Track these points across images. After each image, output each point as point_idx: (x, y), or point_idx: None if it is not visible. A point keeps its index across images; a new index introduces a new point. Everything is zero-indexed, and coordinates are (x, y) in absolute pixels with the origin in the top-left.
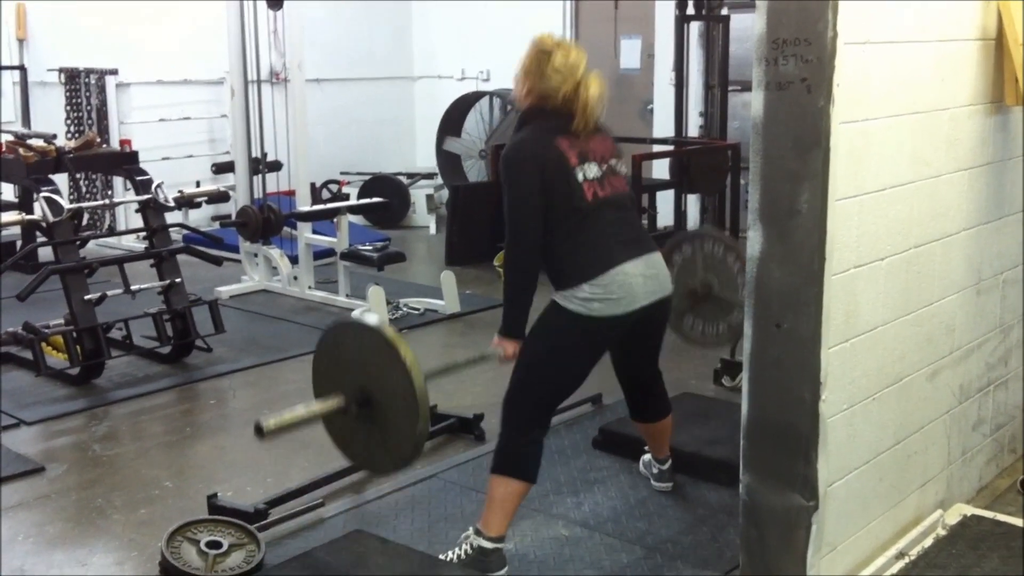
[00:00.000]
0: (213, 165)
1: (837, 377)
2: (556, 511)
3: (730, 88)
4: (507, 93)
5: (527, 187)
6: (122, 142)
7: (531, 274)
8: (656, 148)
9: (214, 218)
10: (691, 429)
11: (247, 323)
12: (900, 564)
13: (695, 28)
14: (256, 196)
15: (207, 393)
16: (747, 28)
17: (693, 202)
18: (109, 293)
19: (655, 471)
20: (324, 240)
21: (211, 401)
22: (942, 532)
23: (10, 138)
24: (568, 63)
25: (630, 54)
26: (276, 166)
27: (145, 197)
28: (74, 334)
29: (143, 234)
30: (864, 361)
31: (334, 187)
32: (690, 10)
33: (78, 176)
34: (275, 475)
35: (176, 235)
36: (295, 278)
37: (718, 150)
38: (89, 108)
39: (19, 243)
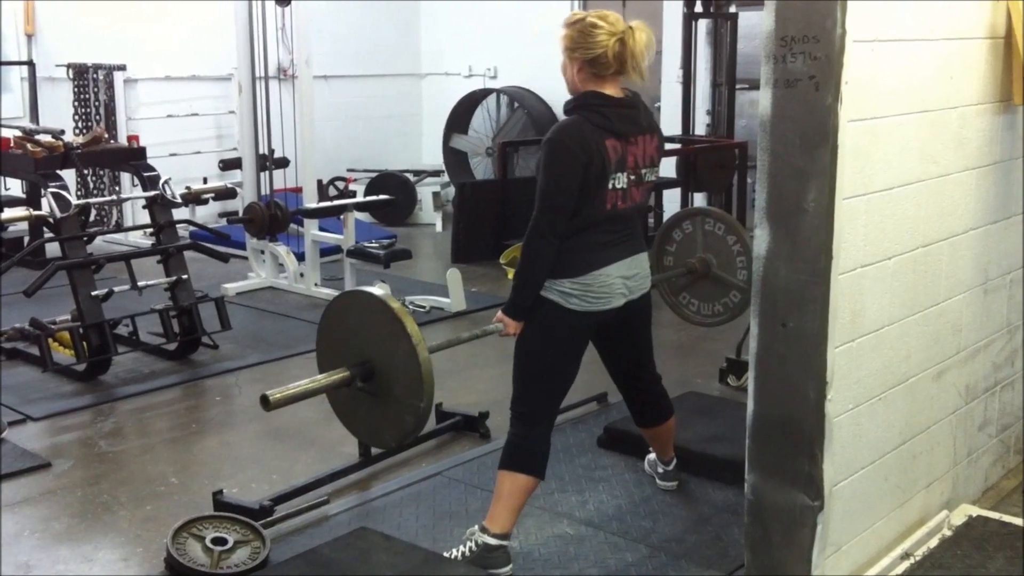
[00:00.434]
0: (220, 161)
1: (843, 376)
2: (561, 509)
3: (737, 86)
4: (514, 90)
5: (570, 173)
6: (130, 138)
7: (549, 259)
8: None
9: (221, 214)
10: (696, 428)
11: (253, 320)
12: (905, 564)
13: (703, 26)
14: (263, 193)
15: (213, 390)
16: (755, 26)
17: (700, 200)
18: (116, 289)
19: (660, 470)
20: (331, 237)
21: (217, 398)
22: (947, 533)
23: (18, 133)
24: (608, 20)
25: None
26: (283, 163)
27: (152, 193)
28: (81, 330)
29: (150, 230)
30: (870, 360)
31: (341, 184)
32: (698, 8)
33: (86, 172)
34: (280, 472)
35: (183, 231)
36: (301, 275)
37: (725, 148)
38: (97, 104)
39: (26, 239)
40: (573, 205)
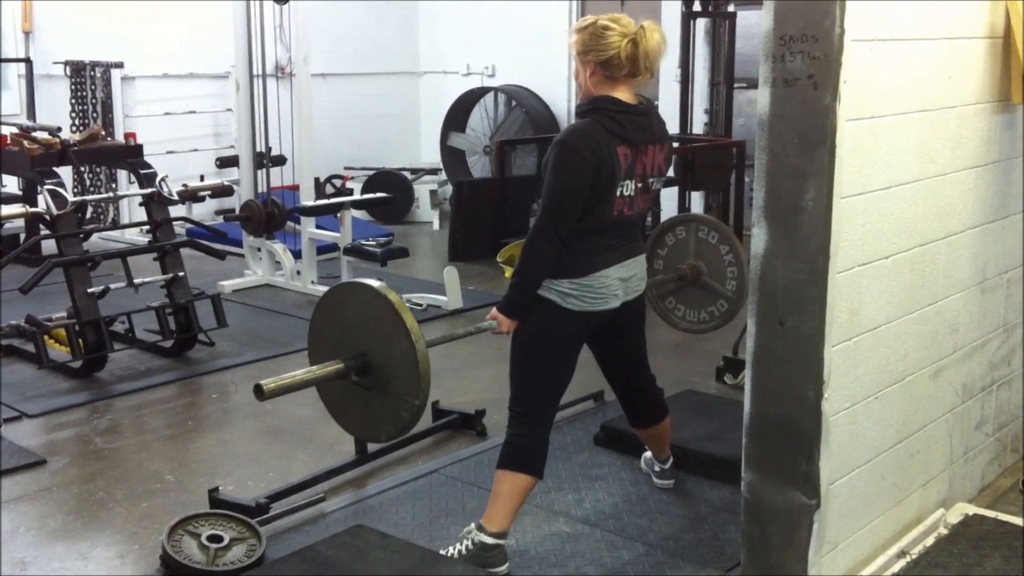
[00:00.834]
0: (217, 159)
1: (840, 375)
2: (557, 507)
3: (735, 85)
4: (512, 89)
5: (579, 176)
6: (127, 135)
7: (549, 260)
8: None
9: (218, 212)
10: (693, 426)
11: (250, 317)
12: (902, 563)
13: (701, 25)
14: (260, 190)
15: (209, 387)
16: (753, 25)
17: (697, 199)
18: (112, 286)
19: (656, 469)
20: (327, 235)
21: (213, 395)
22: (944, 531)
23: (15, 131)
24: (620, 22)
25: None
26: (280, 160)
27: (149, 191)
28: (77, 327)
29: (147, 228)
30: (867, 359)
31: (338, 182)
32: (696, 7)
33: (82, 169)
34: (277, 469)
35: (180, 229)
36: (298, 273)
37: (723, 147)
38: (94, 101)
39: (23, 236)
40: (579, 209)
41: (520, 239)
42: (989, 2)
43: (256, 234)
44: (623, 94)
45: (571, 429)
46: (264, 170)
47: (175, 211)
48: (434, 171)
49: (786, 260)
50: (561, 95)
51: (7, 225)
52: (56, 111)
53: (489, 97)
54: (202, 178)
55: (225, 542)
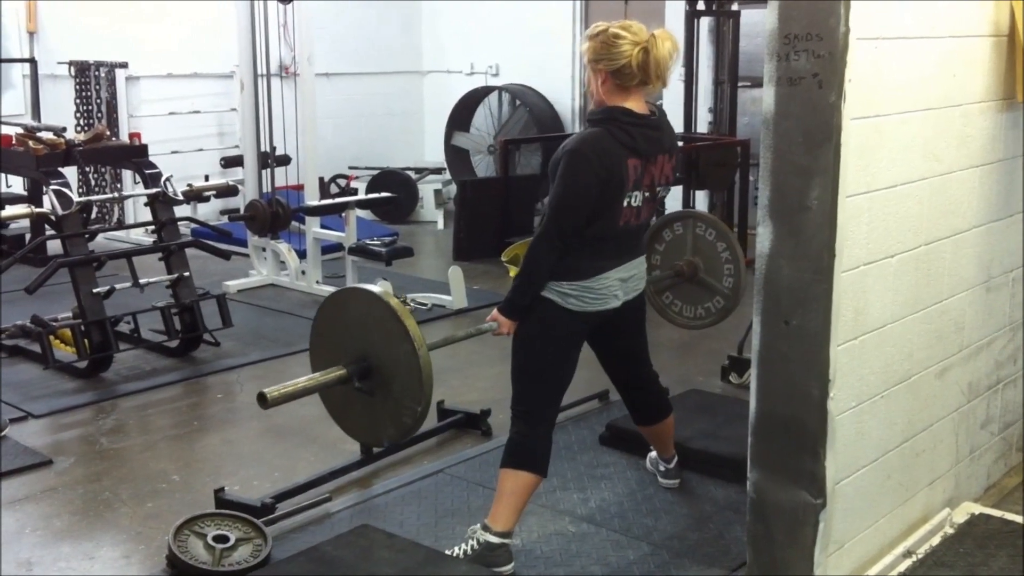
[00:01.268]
0: (222, 159)
1: (846, 374)
2: (563, 507)
3: (739, 84)
4: (516, 88)
5: (587, 186)
6: (131, 135)
7: (552, 264)
8: None
9: (223, 212)
10: (698, 425)
11: (255, 317)
12: (907, 562)
13: (705, 24)
14: (265, 190)
15: (215, 387)
16: (757, 24)
17: (702, 198)
18: (117, 286)
19: (661, 468)
20: (332, 235)
21: (218, 395)
22: (950, 530)
23: (20, 131)
24: (631, 29)
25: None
26: (285, 160)
27: (154, 191)
28: (82, 327)
29: (152, 228)
30: (873, 358)
31: (342, 181)
32: (700, 6)
33: (87, 169)
34: (282, 469)
35: (184, 229)
36: (303, 272)
37: (727, 146)
38: (99, 101)
39: (28, 236)
40: (585, 217)
41: (524, 238)
42: (993, 0)
43: (261, 234)
44: (635, 104)
45: (576, 428)
46: (268, 170)
47: (180, 211)
48: (438, 170)
49: (791, 259)
50: (565, 94)
51: (12, 225)
52: (60, 111)
53: (493, 96)
54: (207, 178)
55: (231, 542)
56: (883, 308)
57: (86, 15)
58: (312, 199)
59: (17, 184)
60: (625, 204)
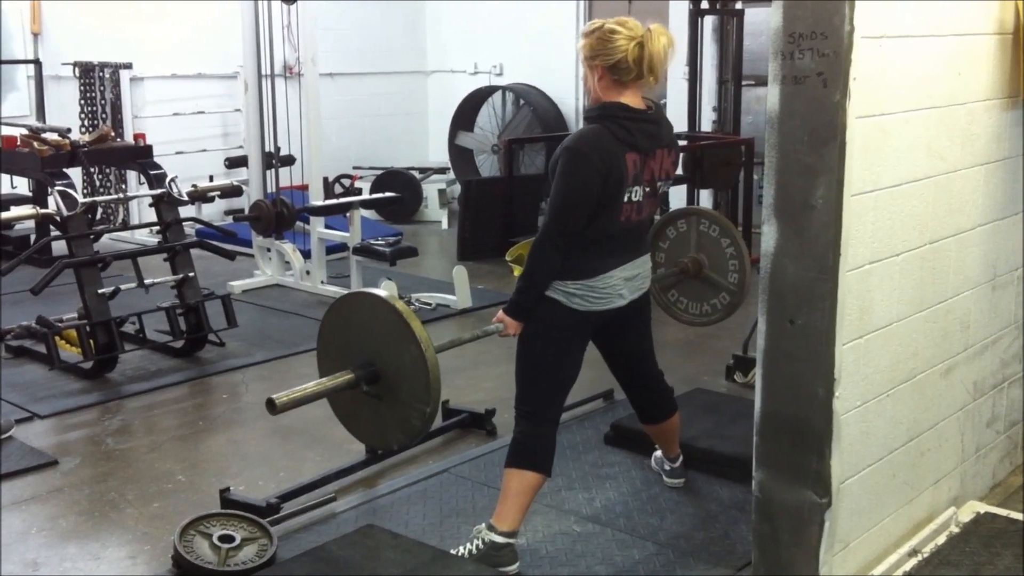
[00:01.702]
0: (226, 159)
1: (851, 373)
2: (568, 506)
3: (744, 83)
4: (520, 87)
5: (587, 183)
6: (136, 136)
7: (556, 264)
8: None
9: (227, 212)
10: (703, 425)
11: (260, 317)
12: (913, 561)
13: (709, 23)
14: (269, 190)
15: (220, 387)
16: (761, 22)
17: (706, 197)
18: (122, 287)
19: (667, 467)
20: (337, 235)
21: (224, 395)
22: (955, 529)
23: (25, 132)
24: (627, 25)
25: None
26: (289, 160)
27: (159, 191)
28: (87, 328)
29: (156, 228)
30: (878, 357)
31: (347, 181)
32: (704, 4)
33: (92, 170)
34: (287, 469)
35: (189, 229)
36: (308, 272)
37: (731, 145)
38: (103, 102)
39: (33, 237)
40: (586, 214)
41: (529, 238)
42: None
43: (266, 234)
44: (632, 99)
45: (581, 428)
46: (273, 170)
47: (185, 212)
48: (442, 170)
49: (796, 258)
50: (569, 93)
51: (18, 226)
52: (65, 112)
53: (497, 96)
54: (211, 178)
55: (237, 542)
56: (888, 307)
57: (90, 16)
58: (316, 199)
59: (22, 185)
60: (626, 200)
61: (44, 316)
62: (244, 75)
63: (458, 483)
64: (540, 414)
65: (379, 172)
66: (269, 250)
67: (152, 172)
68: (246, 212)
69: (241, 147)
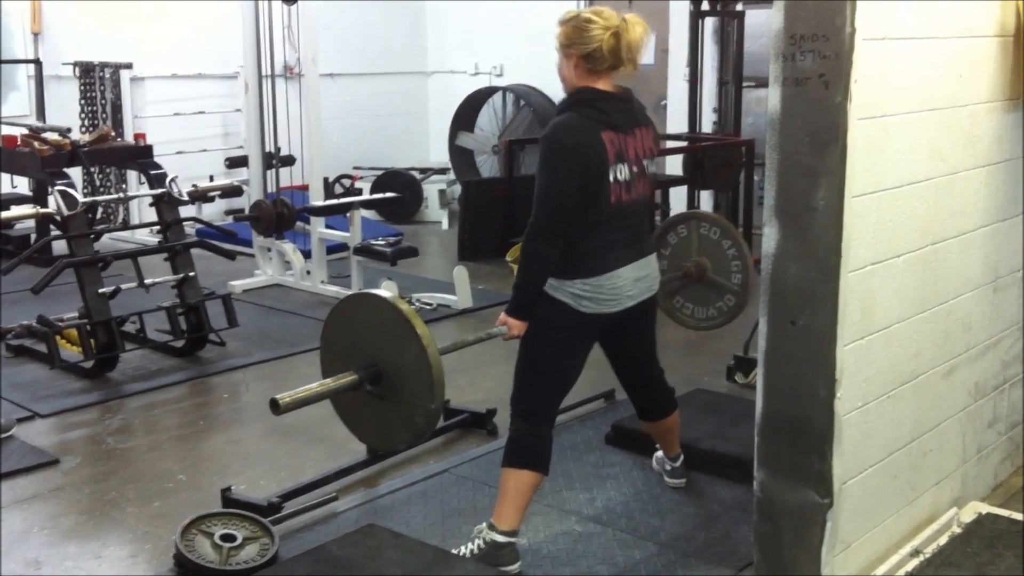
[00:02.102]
0: (227, 159)
1: (852, 374)
2: (569, 506)
3: (744, 84)
4: (521, 88)
5: (568, 174)
6: (136, 136)
7: (550, 257)
8: (670, 144)
9: (227, 212)
10: (704, 425)
11: (260, 317)
12: (915, 562)
13: (709, 24)
14: (269, 190)
15: (220, 387)
16: (761, 24)
17: (706, 198)
18: (123, 287)
19: (668, 468)
20: (337, 235)
21: (224, 395)
22: (957, 530)
23: (25, 131)
24: (602, 15)
25: (644, 49)
26: (289, 161)
27: (159, 191)
28: (88, 327)
29: (157, 228)
30: (880, 358)
31: (347, 182)
32: (705, 6)
33: (92, 170)
34: (289, 469)
35: (190, 229)
36: (308, 273)
37: (732, 146)
38: (103, 102)
39: (33, 237)
40: (574, 201)
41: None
42: (1000, 1)
43: (266, 234)
44: (603, 85)
45: (582, 428)
46: (273, 170)
47: (185, 211)
48: (443, 171)
49: (797, 259)
50: None
51: (18, 226)
52: (65, 112)
53: (497, 96)
54: (212, 178)
55: (238, 541)
56: (890, 308)
57: (90, 16)
58: (317, 199)
59: (22, 185)
60: (612, 179)
61: (45, 315)
62: (245, 75)
63: (459, 483)
64: (540, 414)
65: (379, 172)
66: (269, 250)
67: (152, 172)
68: (246, 212)
69: (241, 147)
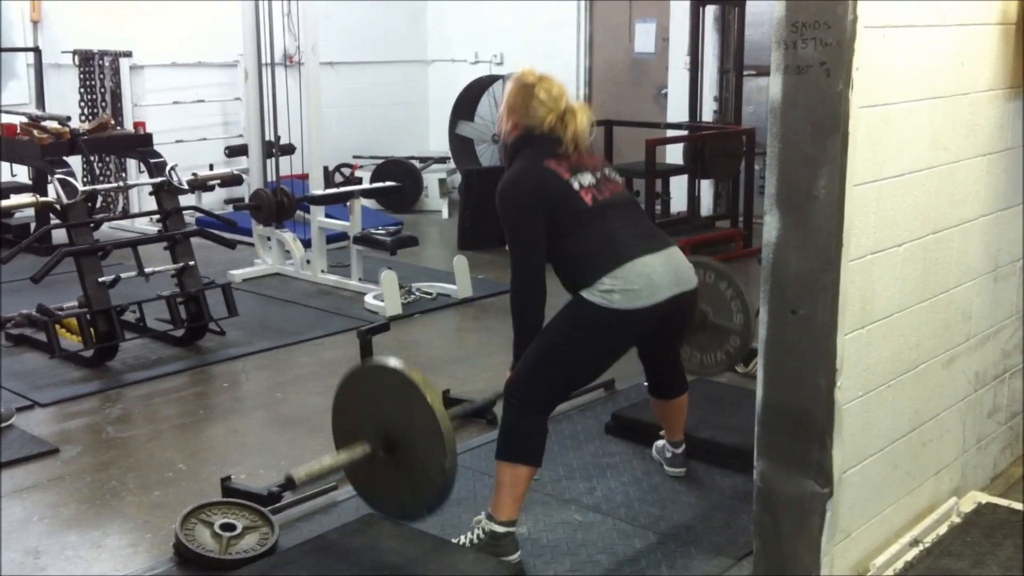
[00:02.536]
0: (226, 148)
1: (853, 364)
2: (569, 496)
3: (745, 73)
4: None
5: (530, 225)
6: (136, 124)
7: (537, 304)
8: (670, 133)
9: (227, 201)
10: (704, 415)
11: (260, 306)
12: (914, 552)
13: (710, 12)
14: (269, 179)
15: (220, 376)
16: (762, 12)
17: (707, 187)
18: (123, 276)
19: (668, 455)
20: (337, 224)
21: (224, 384)
22: (956, 520)
23: (25, 120)
24: (552, 95)
25: (645, 38)
26: (289, 149)
27: (159, 180)
28: (88, 316)
29: (157, 217)
30: (880, 348)
31: (347, 171)
32: None
33: (92, 158)
34: (288, 458)
35: (189, 218)
36: (308, 262)
37: (732, 135)
38: (103, 90)
39: (33, 225)
40: (544, 247)
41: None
42: None
43: (266, 223)
44: None
45: (582, 418)
46: (273, 159)
47: (185, 200)
48: (443, 160)
49: (798, 248)
50: (570, 83)
51: (18, 214)
52: (65, 100)
53: (498, 85)
54: (211, 167)
55: (238, 531)
56: (890, 297)
57: (90, 4)
58: (317, 188)
59: (22, 173)
60: (576, 187)
61: (44, 304)
62: (244, 64)
63: (459, 472)
64: (544, 409)
65: (379, 161)
66: (269, 239)
67: (152, 160)
68: (246, 201)
69: (241, 136)
